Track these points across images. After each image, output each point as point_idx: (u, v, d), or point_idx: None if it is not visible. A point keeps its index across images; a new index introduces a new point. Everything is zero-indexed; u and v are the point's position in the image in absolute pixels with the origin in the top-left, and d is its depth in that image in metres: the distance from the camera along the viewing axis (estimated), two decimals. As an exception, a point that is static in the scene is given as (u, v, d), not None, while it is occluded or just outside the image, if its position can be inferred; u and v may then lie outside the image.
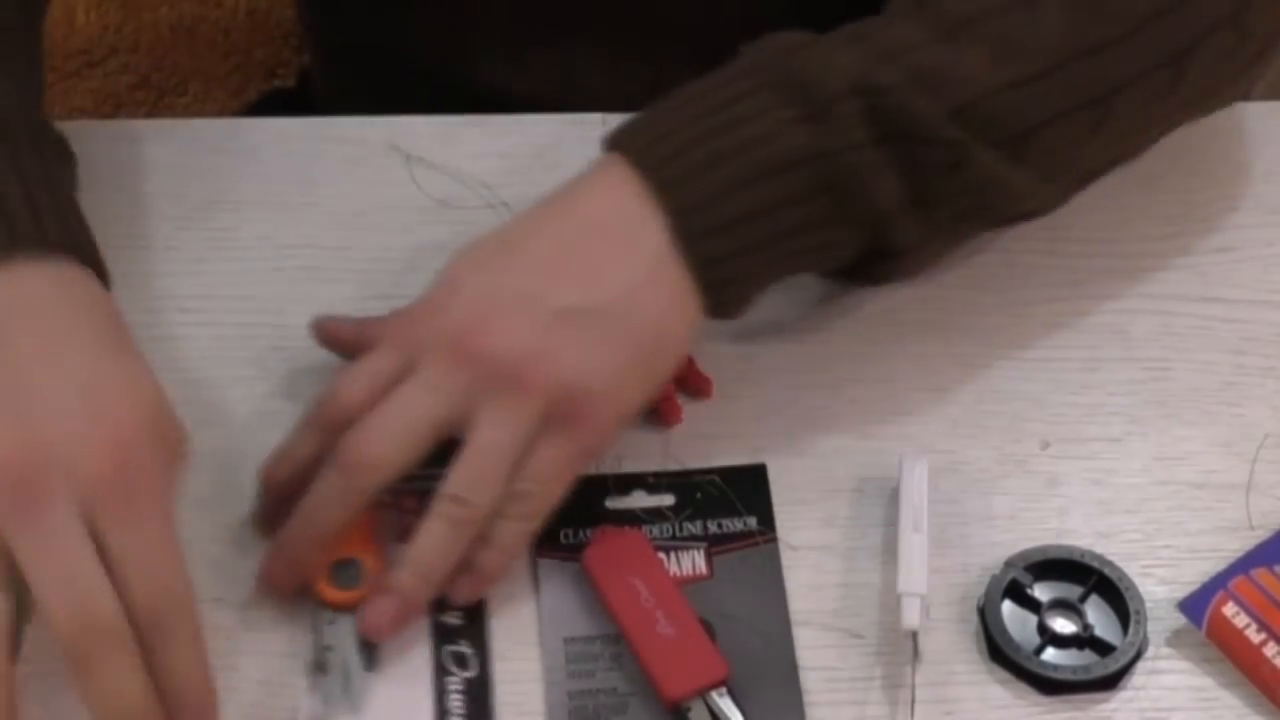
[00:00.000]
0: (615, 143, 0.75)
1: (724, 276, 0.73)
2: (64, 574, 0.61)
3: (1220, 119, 0.90)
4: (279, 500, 0.72)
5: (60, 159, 0.77)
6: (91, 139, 0.90)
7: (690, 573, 0.74)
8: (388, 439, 0.70)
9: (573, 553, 0.74)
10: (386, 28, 0.98)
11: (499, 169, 0.87)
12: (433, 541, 0.70)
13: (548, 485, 0.71)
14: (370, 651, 0.71)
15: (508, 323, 0.71)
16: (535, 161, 0.87)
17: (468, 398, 0.70)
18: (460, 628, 0.72)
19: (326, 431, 0.72)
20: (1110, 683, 0.71)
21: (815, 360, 0.80)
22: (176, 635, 0.63)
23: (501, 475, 0.70)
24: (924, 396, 0.79)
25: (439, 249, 0.84)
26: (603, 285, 0.72)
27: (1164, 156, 0.85)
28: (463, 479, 0.70)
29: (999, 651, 0.72)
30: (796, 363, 0.80)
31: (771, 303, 0.82)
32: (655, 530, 0.75)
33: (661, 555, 0.73)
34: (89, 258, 0.72)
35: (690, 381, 0.79)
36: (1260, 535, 0.75)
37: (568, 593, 0.73)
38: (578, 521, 0.75)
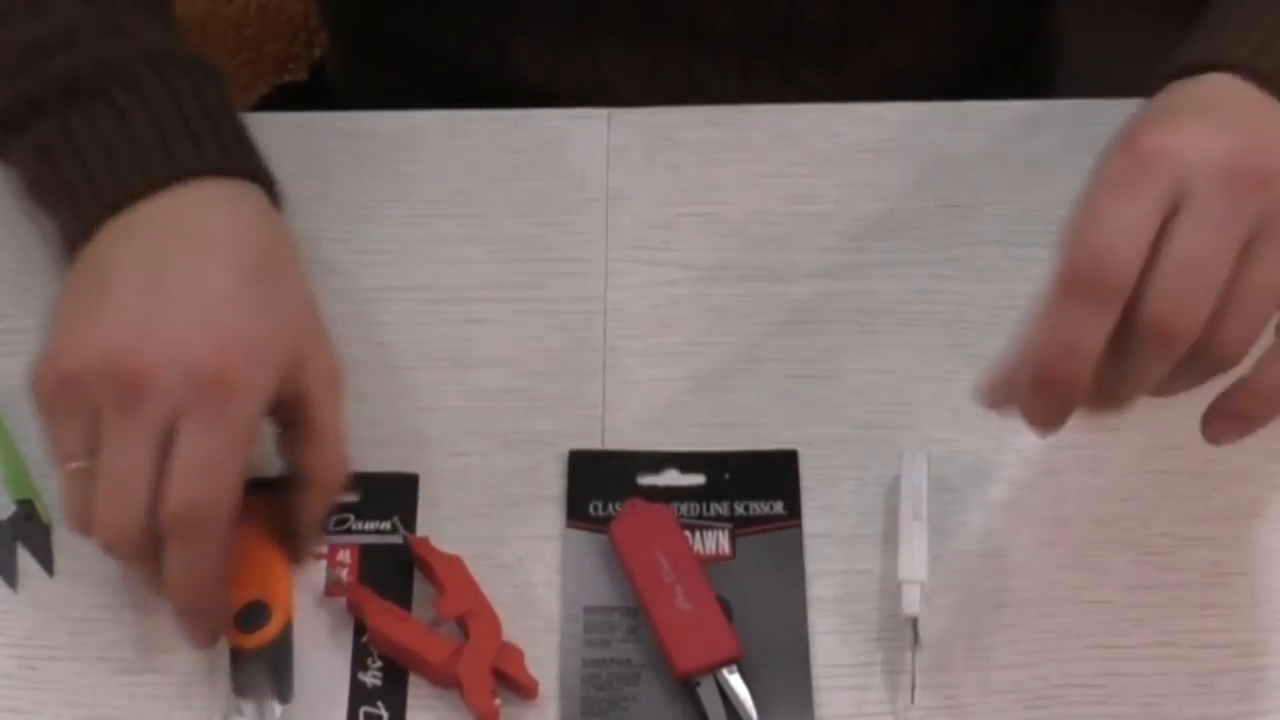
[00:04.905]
0: (1213, 63, 0.69)
1: None
2: (120, 482, 0.66)
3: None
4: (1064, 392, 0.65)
5: (213, 79, 0.78)
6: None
7: (714, 552, 0.74)
8: (1194, 300, 0.63)
9: (601, 525, 0.75)
10: (415, 19, 0.98)
11: (507, 163, 0.88)
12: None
13: None
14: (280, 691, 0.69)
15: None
16: (541, 156, 0.88)
17: (1258, 227, 0.63)
18: (378, 689, 0.71)
19: (1106, 305, 0.63)
20: (1106, 667, 0.72)
21: (816, 351, 0.81)
22: (186, 546, 0.67)
23: None
24: (924, 386, 0.80)
25: (449, 242, 0.85)
26: None
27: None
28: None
29: (997, 637, 0.72)
30: (797, 354, 0.81)
31: (772, 299, 0.83)
32: (683, 508, 0.75)
33: (687, 533, 0.75)
34: (255, 176, 0.74)
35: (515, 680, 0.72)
36: (1255, 523, 0.76)
37: (593, 564, 0.74)
38: (609, 495, 0.76)
